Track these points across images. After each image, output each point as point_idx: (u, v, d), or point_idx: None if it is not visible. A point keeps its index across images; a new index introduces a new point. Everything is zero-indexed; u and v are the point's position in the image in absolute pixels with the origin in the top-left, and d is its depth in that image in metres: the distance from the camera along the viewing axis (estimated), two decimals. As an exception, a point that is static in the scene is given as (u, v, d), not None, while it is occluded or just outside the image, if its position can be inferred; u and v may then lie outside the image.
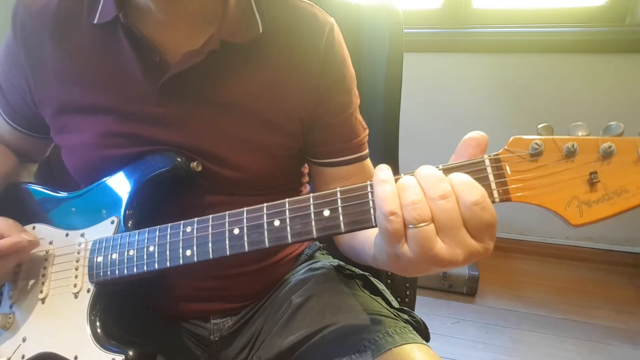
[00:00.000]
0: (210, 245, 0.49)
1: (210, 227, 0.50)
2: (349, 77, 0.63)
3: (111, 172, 0.60)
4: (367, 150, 0.67)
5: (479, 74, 1.75)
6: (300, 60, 0.59)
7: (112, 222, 0.58)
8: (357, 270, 0.69)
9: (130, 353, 0.53)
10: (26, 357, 0.58)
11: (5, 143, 0.71)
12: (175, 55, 0.57)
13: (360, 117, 0.66)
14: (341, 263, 0.71)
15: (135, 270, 0.54)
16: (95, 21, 0.56)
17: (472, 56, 1.74)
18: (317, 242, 0.79)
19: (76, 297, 0.58)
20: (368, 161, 0.68)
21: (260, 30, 0.57)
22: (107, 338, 0.55)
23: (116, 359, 0.53)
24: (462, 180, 0.37)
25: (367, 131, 0.67)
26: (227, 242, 0.48)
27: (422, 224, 0.37)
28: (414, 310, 0.65)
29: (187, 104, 0.57)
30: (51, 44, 0.59)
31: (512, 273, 1.78)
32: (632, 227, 1.77)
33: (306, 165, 0.72)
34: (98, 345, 0.54)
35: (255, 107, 0.58)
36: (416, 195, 0.37)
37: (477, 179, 0.38)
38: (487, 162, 0.39)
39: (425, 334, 0.62)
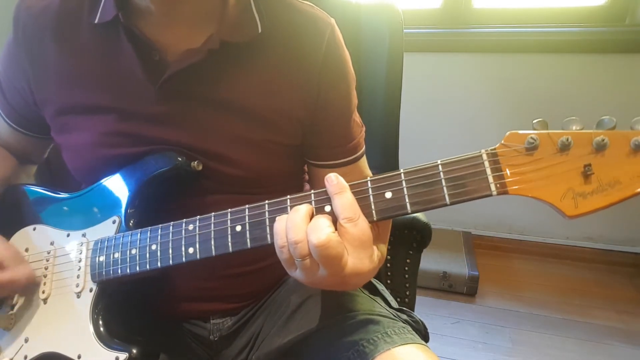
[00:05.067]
0: (212, 242, 0.50)
1: (212, 225, 0.50)
2: (350, 78, 0.63)
3: (112, 171, 0.60)
4: (362, 150, 0.67)
5: (479, 74, 1.75)
6: (300, 61, 0.59)
7: (114, 222, 0.58)
8: (356, 270, 0.69)
9: (134, 351, 0.53)
10: (29, 358, 0.59)
11: (4, 144, 0.72)
12: (174, 54, 0.57)
13: (357, 118, 0.66)
14: (341, 263, 0.71)
15: (137, 268, 0.54)
16: (96, 21, 0.57)
17: (472, 56, 1.74)
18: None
19: (78, 296, 0.58)
20: (363, 159, 0.68)
21: (259, 30, 0.57)
22: (110, 337, 0.55)
23: (120, 357, 0.53)
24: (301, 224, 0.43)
25: (363, 129, 0.67)
26: (229, 239, 0.49)
27: (299, 259, 0.43)
28: (413, 311, 0.66)
29: (187, 102, 0.58)
30: (52, 44, 0.59)
31: (512, 273, 1.78)
32: (632, 227, 1.77)
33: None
34: (101, 344, 0.54)
35: (254, 105, 0.58)
36: (297, 235, 0.43)
37: (474, 173, 0.40)
38: (485, 157, 0.40)
39: (424, 334, 0.62)
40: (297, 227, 0.43)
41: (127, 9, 0.55)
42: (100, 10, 0.57)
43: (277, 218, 0.45)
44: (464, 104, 1.79)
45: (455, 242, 1.83)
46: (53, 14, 0.59)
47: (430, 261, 1.67)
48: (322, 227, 0.42)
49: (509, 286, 1.70)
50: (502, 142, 0.40)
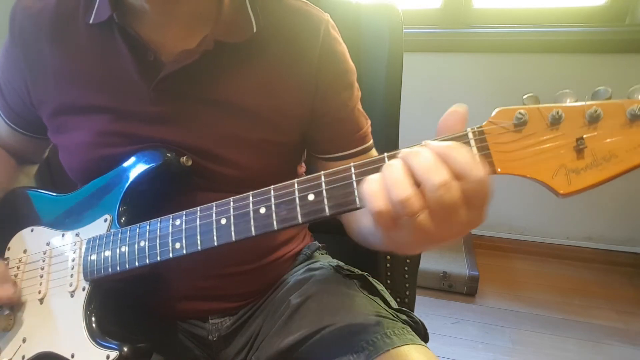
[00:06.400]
0: (198, 236, 0.49)
1: (198, 219, 0.50)
2: (349, 71, 0.63)
3: (108, 171, 0.60)
4: (371, 141, 0.67)
5: (479, 74, 1.75)
6: (296, 59, 0.59)
7: (105, 220, 0.58)
8: (356, 270, 0.68)
9: (125, 349, 0.53)
10: (26, 358, 0.59)
11: (3, 145, 0.72)
12: (170, 54, 0.57)
13: (361, 109, 0.66)
14: (340, 263, 0.71)
15: (127, 266, 0.54)
16: (91, 21, 0.57)
17: (472, 56, 1.74)
18: (316, 242, 0.79)
19: (72, 295, 0.58)
20: (373, 151, 0.68)
21: (254, 30, 0.57)
22: (102, 335, 0.55)
23: (111, 355, 0.53)
24: (464, 161, 0.35)
25: (369, 121, 0.67)
26: (214, 232, 0.48)
27: (415, 216, 0.36)
28: (413, 311, 0.65)
29: (182, 102, 0.57)
30: (49, 45, 0.59)
31: (512, 273, 1.78)
32: (632, 227, 1.77)
33: (302, 164, 0.72)
34: (93, 343, 0.54)
35: (251, 105, 0.58)
36: (405, 192, 0.35)
37: None
38: (471, 135, 0.38)
39: (424, 335, 0.62)
40: (402, 183, 0.36)
41: (122, 9, 0.55)
42: (95, 10, 0.57)
43: (366, 179, 0.38)
44: (464, 104, 1.79)
45: (455, 242, 1.83)
46: (49, 15, 0.59)
47: (430, 261, 1.67)
48: (437, 168, 0.35)
49: (509, 286, 1.69)
50: (490, 119, 0.38)
